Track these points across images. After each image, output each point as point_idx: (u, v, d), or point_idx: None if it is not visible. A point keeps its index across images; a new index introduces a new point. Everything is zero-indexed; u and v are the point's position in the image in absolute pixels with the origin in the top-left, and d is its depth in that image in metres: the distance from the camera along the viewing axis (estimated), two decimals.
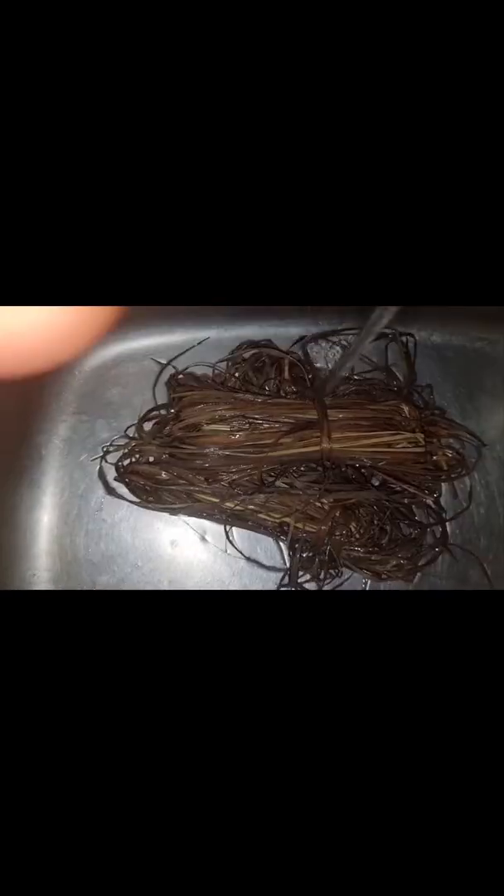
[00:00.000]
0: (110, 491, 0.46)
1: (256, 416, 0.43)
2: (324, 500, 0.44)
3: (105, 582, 0.45)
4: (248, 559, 0.46)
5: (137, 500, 0.44)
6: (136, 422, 0.46)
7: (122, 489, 0.45)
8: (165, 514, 0.46)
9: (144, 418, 0.46)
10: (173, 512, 0.44)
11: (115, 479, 0.45)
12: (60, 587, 0.45)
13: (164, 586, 0.45)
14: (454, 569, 0.48)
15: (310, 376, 0.46)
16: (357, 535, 0.45)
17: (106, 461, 0.46)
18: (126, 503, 0.45)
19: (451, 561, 0.48)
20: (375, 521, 0.45)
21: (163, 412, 0.46)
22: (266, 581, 0.46)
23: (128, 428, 0.46)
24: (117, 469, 0.44)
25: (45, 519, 0.45)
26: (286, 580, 0.45)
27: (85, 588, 0.45)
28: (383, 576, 0.46)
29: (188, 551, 0.46)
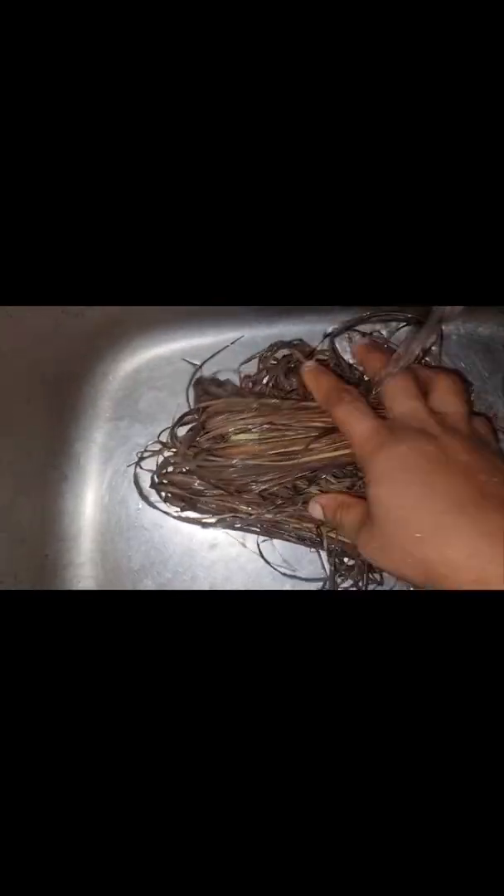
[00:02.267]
0: (144, 499, 0.46)
1: (284, 422, 0.41)
2: None
3: (146, 585, 0.46)
4: (283, 574, 0.45)
5: (171, 508, 0.44)
6: (169, 426, 0.46)
7: (155, 497, 0.45)
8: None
9: (177, 423, 0.45)
10: (205, 526, 0.44)
11: (150, 487, 0.45)
12: None
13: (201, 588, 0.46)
14: None
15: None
16: None
17: (140, 468, 0.46)
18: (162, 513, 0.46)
19: None
20: None
21: (196, 416, 0.45)
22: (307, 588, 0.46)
23: (161, 433, 0.46)
24: (153, 480, 0.44)
25: (87, 527, 0.46)
26: (326, 586, 0.45)
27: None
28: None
29: (228, 555, 0.46)
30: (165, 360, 0.47)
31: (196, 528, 0.46)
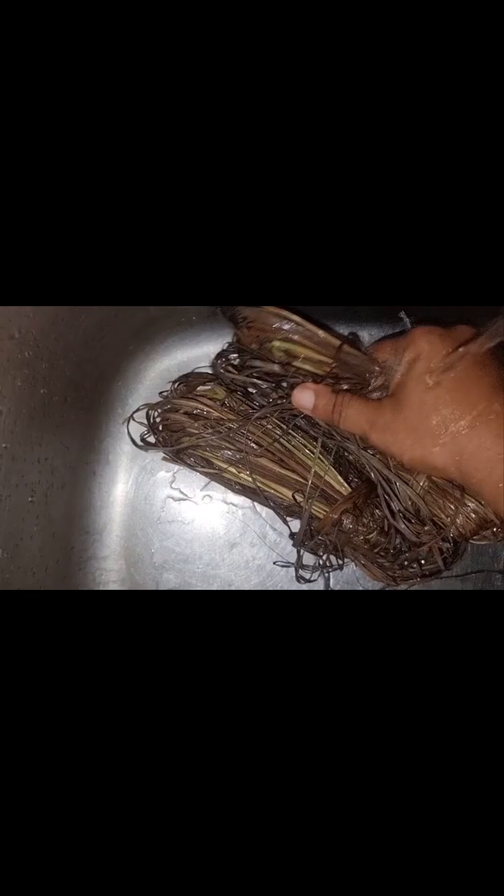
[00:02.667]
0: (138, 445, 0.46)
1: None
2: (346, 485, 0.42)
3: (168, 580, 0.48)
4: (286, 565, 0.48)
5: (164, 453, 0.45)
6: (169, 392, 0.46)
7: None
8: (224, 519, 0.48)
9: (179, 381, 0.46)
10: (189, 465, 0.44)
11: (144, 432, 0.45)
12: (126, 588, 0.47)
13: (220, 587, 0.49)
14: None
15: None
16: (365, 533, 0.43)
17: (134, 419, 0.46)
18: (186, 510, 0.47)
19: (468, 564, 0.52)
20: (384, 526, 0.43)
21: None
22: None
23: (161, 392, 0.47)
24: (148, 421, 0.45)
25: (112, 521, 0.47)
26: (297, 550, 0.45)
27: (148, 588, 0.47)
28: (380, 576, 0.45)
29: (247, 556, 0.49)
30: (195, 360, 0.48)
31: (217, 528, 0.48)
